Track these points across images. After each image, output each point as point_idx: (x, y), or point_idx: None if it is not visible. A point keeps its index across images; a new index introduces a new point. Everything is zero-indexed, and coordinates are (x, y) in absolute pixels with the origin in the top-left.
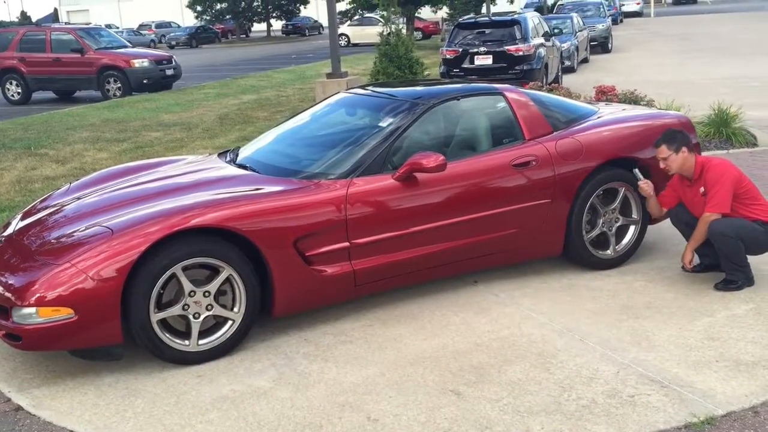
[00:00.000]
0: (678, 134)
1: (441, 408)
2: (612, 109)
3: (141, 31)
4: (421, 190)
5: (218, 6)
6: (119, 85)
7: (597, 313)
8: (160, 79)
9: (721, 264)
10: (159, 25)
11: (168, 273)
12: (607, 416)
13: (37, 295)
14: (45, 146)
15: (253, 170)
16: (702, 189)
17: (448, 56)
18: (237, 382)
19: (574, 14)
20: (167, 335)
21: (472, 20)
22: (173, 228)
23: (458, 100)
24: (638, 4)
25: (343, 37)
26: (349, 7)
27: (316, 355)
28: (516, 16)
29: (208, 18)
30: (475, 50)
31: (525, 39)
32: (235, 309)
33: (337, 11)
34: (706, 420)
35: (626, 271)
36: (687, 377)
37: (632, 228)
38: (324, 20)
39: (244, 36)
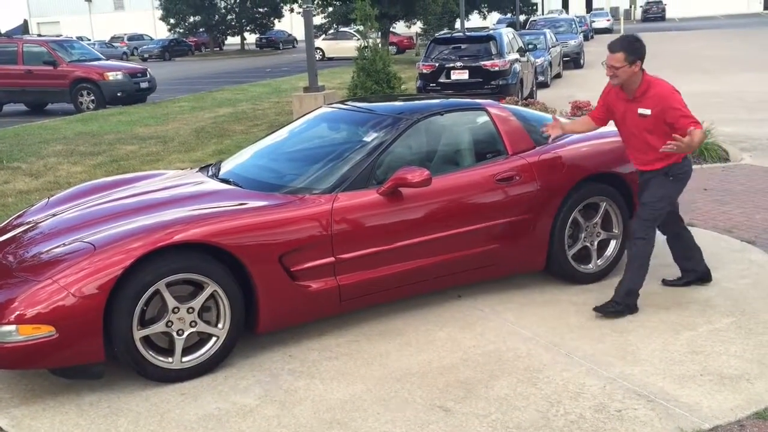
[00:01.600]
0: (638, 44)
1: (429, 425)
2: None
3: (113, 44)
4: (406, 205)
5: (192, 19)
6: (93, 97)
7: (581, 327)
8: (134, 92)
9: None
10: (131, 38)
11: (152, 289)
12: (595, 431)
13: (17, 312)
14: (17, 159)
15: (236, 185)
16: (643, 111)
17: (424, 71)
18: (222, 399)
19: (547, 30)
20: (150, 352)
21: (449, 35)
22: (157, 243)
23: (442, 115)
24: (608, 21)
25: (318, 51)
26: (324, 21)
27: (302, 372)
28: (491, 31)
29: (181, 31)
30: (452, 65)
31: (500, 54)
32: (219, 325)
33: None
34: None
35: (607, 286)
36: (673, 391)
37: (613, 242)
38: (298, 34)
39: (217, 49)
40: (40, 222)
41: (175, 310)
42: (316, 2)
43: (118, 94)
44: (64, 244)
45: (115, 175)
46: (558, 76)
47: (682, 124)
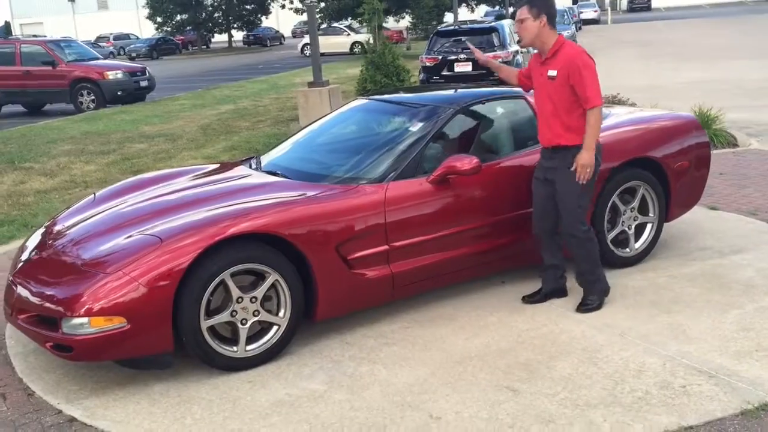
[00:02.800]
0: (542, 1)
1: (500, 404)
2: (623, 111)
3: (99, 44)
4: (454, 192)
5: (179, 17)
6: (93, 97)
7: (629, 308)
8: (134, 91)
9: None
10: (117, 37)
11: (218, 279)
12: (665, 406)
13: (89, 305)
14: (29, 160)
15: (284, 176)
16: (551, 72)
17: (428, 64)
18: (290, 386)
19: None
20: (216, 342)
21: (451, 28)
22: (224, 234)
23: (483, 103)
24: (596, 11)
25: (308, 47)
26: (317, 16)
27: (363, 358)
28: (493, 23)
29: (168, 29)
30: (455, 57)
31: (503, 46)
32: (281, 314)
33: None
34: (761, 406)
35: (646, 269)
36: (732, 367)
37: (649, 226)
38: (285, 30)
39: (204, 47)
40: (94, 217)
41: (239, 299)
42: None
43: (119, 93)
44: (127, 237)
45: (130, 172)
46: None
47: (584, 97)
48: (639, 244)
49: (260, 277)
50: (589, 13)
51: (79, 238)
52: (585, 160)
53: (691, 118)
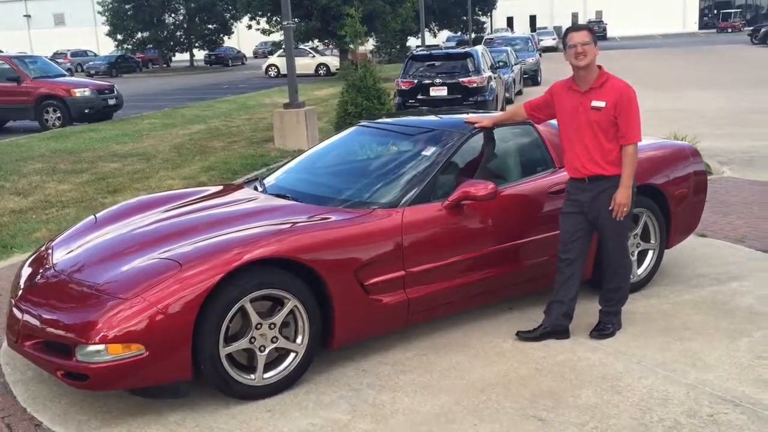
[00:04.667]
0: (594, 31)
1: None
2: None
3: (56, 60)
4: (469, 217)
5: (139, 35)
6: (59, 114)
7: (641, 336)
8: (102, 109)
9: (601, 311)
10: (74, 54)
11: (237, 305)
12: None
13: (105, 331)
14: None
15: (294, 200)
16: (598, 103)
17: (403, 87)
18: (311, 415)
19: (509, 48)
20: (234, 370)
21: (427, 53)
22: (246, 258)
23: (492, 128)
24: (554, 39)
25: (273, 67)
26: (282, 38)
27: (382, 386)
28: (468, 48)
29: (129, 47)
30: (430, 81)
31: (478, 71)
32: (298, 340)
33: (270, 42)
34: None
35: (649, 295)
36: (755, 395)
37: (651, 253)
38: (246, 51)
39: (165, 66)
40: (100, 239)
41: (258, 326)
42: (274, 19)
43: (86, 111)
44: (142, 260)
45: (106, 192)
46: (519, 93)
47: (626, 132)
48: (641, 271)
49: (277, 302)
50: (548, 41)
51: (88, 261)
52: (623, 198)
53: (688, 146)
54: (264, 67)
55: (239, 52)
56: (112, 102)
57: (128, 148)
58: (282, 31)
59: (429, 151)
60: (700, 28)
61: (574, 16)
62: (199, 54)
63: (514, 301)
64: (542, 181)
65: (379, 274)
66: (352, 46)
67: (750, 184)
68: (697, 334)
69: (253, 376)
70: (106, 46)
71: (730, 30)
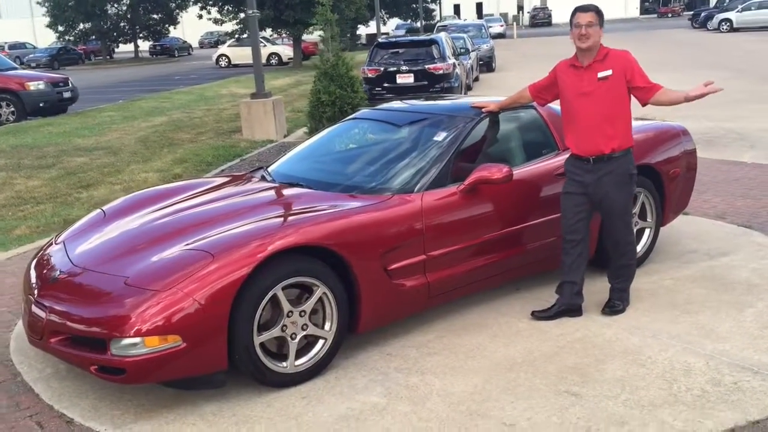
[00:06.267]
0: (602, 12)
1: (567, 409)
2: None
3: None
4: (484, 200)
5: (82, 26)
6: (12, 109)
7: (650, 311)
8: (57, 103)
9: (612, 287)
10: (12, 46)
11: (270, 294)
12: (725, 403)
13: (141, 323)
14: None
15: (308, 187)
16: (604, 72)
17: (370, 75)
18: (347, 400)
19: (465, 35)
20: (267, 358)
21: (392, 40)
22: (278, 246)
23: (498, 112)
24: (502, 26)
25: (224, 57)
26: (236, 27)
27: (410, 369)
28: (432, 35)
29: (71, 39)
30: (396, 69)
31: (443, 58)
32: (326, 327)
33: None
34: None
35: (649, 272)
36: None
37: (647, 231)
38: (192, 41)
39: (108, 57)
40: (116, 232)
41: (290, 313)
42: (226, 8)
43: (41, 105)
44: (171, 252)
45: (80, 187)
46: (476, 79)
47: (646, 86)
48: (639, 249)
49: (305, 290)
50: (496, 28)
51: (110, 254)
52: (698, 92)
53: (679, 126)
54: (214, 57)
55: (185, 42)
56: (67, 95)
57: (92, 142)
58: (234, 21)
59: (440, 137)
60: (641, 13)
61: (520, 2)
62: (144, 45)
63: (520, 282)
64: (548, 163)
65: (402, 259)
66: (322, 33)
67: (718, 164)
68: (703, 308)
69: (285, 364)
70: (44, 38)
71: (670, 15)
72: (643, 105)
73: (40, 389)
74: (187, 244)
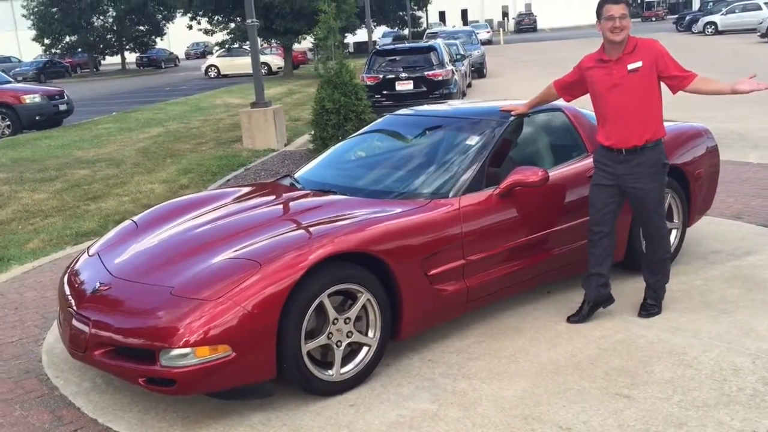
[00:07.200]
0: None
1: (622, 411)
2: None
3: None
4: (519, 204)
5: (68, 38)
6: (8, 122)
7: (686, 311)
8: (53, 116)
9: (648, 285)
10: None
11: (317, 301)
12: None
13: (191, 334)
14: None
15: (343, 194)
16: (634, 64)
17: (369, 83)
18: (397, 407)
19: (458, 42)
20: (314, 366)
21: (391, 47)
22: (325, 253)
23: (529, 116)
24: (488, 32)
25: (213, 68)
26: (227, 37)
27: (455, 375)
28: (431, 42)
29: (57, 51)
30: (395, 76)
31: (442, 64)
32: (370, 334)
33: (203, 42)
34: None
35: (677, 272)
36: None
37: (674, 232)
38: (179, 52)
39: (95, 69)
40: (154, 242)
41: (335, 321)
42: (216, 18)
43: (37, 118)
44: (215, 261)
45: (87, 199)
46: (469, 85)
47: (681, 74)
48: None
49: (349, 297)
50: (483, 34)
51: (150, 265)
52: (745, 86)
53: (702, 126)
54: (203, 68)
55: (172, 53)
56: (63, 108)
57: (92, 154)
58: (224, 31)
59: (473, 140)
60: None
61: (504, 8)
62: (130, 57)
63: (551, 285)
64: (579, 166)
65: (442, 264)
66: (312, 41)
67: (725, 164)
68: (738, 307)
69: (330, 372)
70: (29, 52)
71: (654, 19)
72: (675, 93)
73: (81, 403)
74: (235, 252)
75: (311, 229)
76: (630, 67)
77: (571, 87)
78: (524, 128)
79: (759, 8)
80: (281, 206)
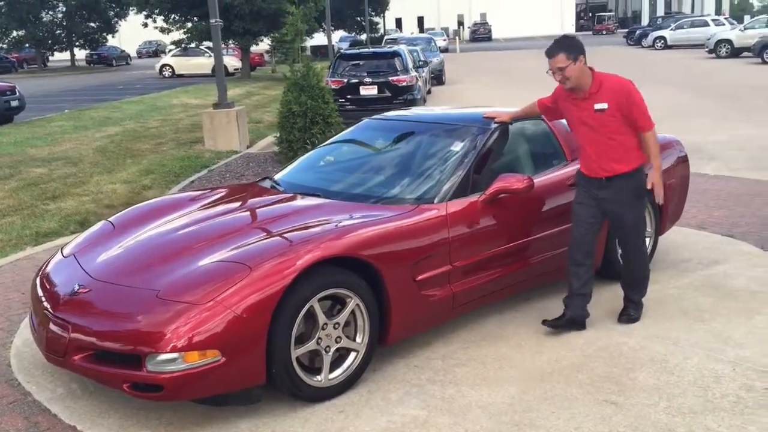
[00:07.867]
0: (574, 41)
1: (612, 417)
2: None
3: None
4: (504, 210)
5: (15, 33)
6: None
7: (663, 319)
8: (3, 112)
9: (629, 299)
10: None
11: (307, 306)
12: (764, 408)
13: (179, 338)
14: None
15: (326, 198)
16: (600, 105)
17: (333, 87)
18: (386, 413)
19: (418, 48)
20: (303, 372)
21: (355, 52)
22: (316, 257)
23: (511, 123)
24: (444, 40)
25: (167, 67)
26: (184, 36)
27: (442, 381)
28: (395, 48)
29: (3, 46)
30: (360, 81)
31: (406, 70)
32: (358, 339)
33: (155, 41)
34: None
35: (652, 280)
36: None
37: (647, 240)
38: (130, 50)
39: (43, 65)
40: (133, 244)
41: (324, 326)
42: (172, 17)
43: None
44: (202, 263)
45: (46, 198)
46: (429, 92)
47: (639, 122)
48: None
49: (337, 302)
50: (439, 42)
51: (132, 266)
52: (658, 179)
53: (674, 138)
54: (157, 67)
55: (123, 51)
56: (14, 104)
57: (47, 152)
58: (181, 30)
59: (458, 146)
60: (577, 30)
61: (460, 17)
62: (80, 53)
63: (529, 293)
64: (560, 174)
65: (429, 269)
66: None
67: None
68: (714, 315)
69: (319, 378)
70: None
71: (604, 32)
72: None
73: (58, 409)
74: (222, 254)
75: (301, 233)
76: (596, 107)
77: (549, 111)
78: (508, 135)
79: (706, 24)
80: (266, 209)
